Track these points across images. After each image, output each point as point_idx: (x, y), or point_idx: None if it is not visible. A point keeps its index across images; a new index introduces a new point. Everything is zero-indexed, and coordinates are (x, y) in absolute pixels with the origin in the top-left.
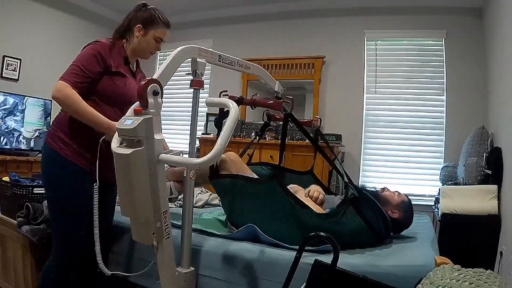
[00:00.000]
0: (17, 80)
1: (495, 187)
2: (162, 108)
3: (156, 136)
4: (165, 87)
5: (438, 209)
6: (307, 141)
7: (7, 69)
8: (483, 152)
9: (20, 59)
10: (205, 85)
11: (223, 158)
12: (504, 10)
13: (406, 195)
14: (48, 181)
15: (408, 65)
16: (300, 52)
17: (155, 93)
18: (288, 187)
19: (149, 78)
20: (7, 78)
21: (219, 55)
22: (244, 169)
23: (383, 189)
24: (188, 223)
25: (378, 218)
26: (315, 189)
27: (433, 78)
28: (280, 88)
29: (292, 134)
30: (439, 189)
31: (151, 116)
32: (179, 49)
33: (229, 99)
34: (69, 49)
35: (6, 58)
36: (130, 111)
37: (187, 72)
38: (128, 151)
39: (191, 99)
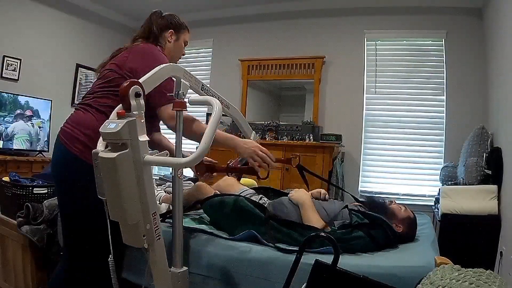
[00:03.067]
0: (17, 80)
1: (495, 187)
2: None
3: (141, 138)
4: None
5: (438, 209)
6: (306, 141)
7: (7, 69)
8: (483, 152)
9: (20, 59)
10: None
11: (197, 185)
12: (504, 10)
13: (412, 211)
14: (63, 185)
15: (408, 65)
16: (300, 52)
17: (137, 95)
18: (290, 194)
19: (130, 80)
20: (7, 78)
21: (202, 84)
22: (234, 187)
23: (391, 201)
24: (179, 223)
25: (390, 238)
26: (316, 191)
27: (433, 78)
28: (256, 138)
29: (292, 134)
30: (439, 189)
31: (134, 118)
32: (167, 64)
33: (213, 98)
34: (69, 49)
35: (6, 58)
36: (113, 114)
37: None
38: (113, 155)
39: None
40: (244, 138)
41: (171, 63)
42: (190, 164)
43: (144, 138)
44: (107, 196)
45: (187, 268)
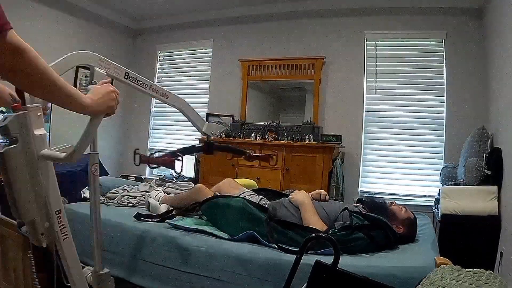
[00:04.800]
0: None
1: (495, 187)
2: (164, 109)
3: (37, 132)
4: (165, 87)
5: (438, 210)
6: (307, 141)
7: None
8: (483, 152)
9: None
10: (205, 85)
11: (197, 187)
12: (504, 10)
13: (413, 212)
14: None
15: (408, 65)
16: (300, 53)
17: None
18: (290, 196)
19: None
20: None
21: (126, 72)
22: (234, 189)
23: (391, 202)
24: (97, 223)
25: (390, 239)
26: (316, 192)
27: (433, 78)
28: (211, 130)
29: (292, 134)
30: (439, 189)
31: (26, 111)
32: (74, 53)
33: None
34: (69, 49)
35: None
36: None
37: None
38: (2, 149)
39: (191, 99)
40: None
41: (83, 51)
42: (70, 159)
43: (41, 131)
44: (6, 192)
45: (108, 270)
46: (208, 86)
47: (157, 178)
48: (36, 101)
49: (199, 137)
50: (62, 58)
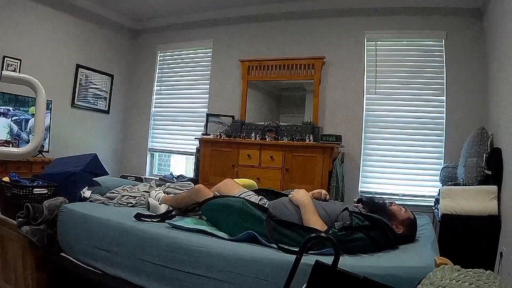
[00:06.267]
0: None
1: (495, 187)
2: (162, 108)
3: None
4: (165, 87)
5: (438, 210)
6: (306, 141)
7: (7, 69)
8: (483, 152)
9: (20, 60)
10: (205, 85)
11: (196, 187)
12: (504, 11)
13: (413, 212)
14: None
15: (408, 65)
16: (300, 53)
17: None
18: (290, 195)
19: None
20: None
21: None
22: (234, 189)
23: (391, 203)
24: None
25: (390, 239)
26: (317, 191)
27: (433, 78)
28: None
29: (292, 134)
30: (439, 189)
31: None
32: None
33: (31, 77)
34: (69, 49)
35: (6, 58)
36: None
37: None
38: None
39: (191, 99)
40: None
41: None
42: (30, 154)
43: None
44: None
45: None
46: (208, 86)
47: (157, 178)
48: None
49: (199, 137)
50: None
